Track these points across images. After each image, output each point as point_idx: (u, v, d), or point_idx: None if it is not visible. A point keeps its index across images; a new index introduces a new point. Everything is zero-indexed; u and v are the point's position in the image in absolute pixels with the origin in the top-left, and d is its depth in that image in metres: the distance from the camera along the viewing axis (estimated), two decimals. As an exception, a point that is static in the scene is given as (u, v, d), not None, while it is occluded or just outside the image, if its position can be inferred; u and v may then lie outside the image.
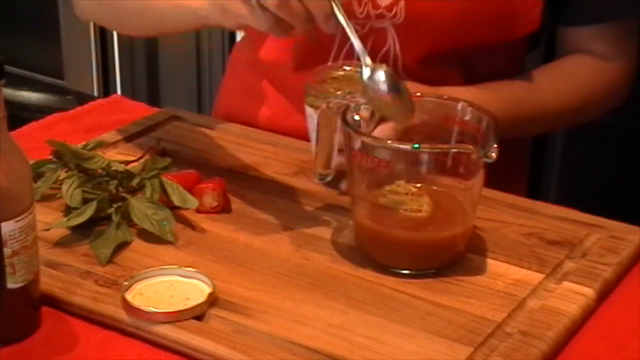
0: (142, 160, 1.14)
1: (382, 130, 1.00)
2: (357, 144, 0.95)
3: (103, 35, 2.93)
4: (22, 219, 0.84)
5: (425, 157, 0.95)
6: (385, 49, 1.19)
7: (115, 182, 1.06)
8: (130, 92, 2.88)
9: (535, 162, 1.41)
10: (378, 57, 1.20)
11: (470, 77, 1.20)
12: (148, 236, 1.00)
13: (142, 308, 0.88)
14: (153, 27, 1.25)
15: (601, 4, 1.21)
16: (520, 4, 1.17)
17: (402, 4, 1.16)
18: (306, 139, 1.13)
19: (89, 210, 1.01)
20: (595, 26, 1.22)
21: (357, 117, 0.98)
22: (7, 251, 0.84)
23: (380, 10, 1.17)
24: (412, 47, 1.17)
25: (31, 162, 0.92)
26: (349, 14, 1.17)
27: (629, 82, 1.26)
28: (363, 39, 1.19)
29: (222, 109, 1.38)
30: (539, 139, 1.48)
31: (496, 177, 1.15)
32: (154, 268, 0.94)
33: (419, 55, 1.17)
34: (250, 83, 1.31)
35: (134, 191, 1.06)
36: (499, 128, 1.15)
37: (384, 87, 0.98)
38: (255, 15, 0.98)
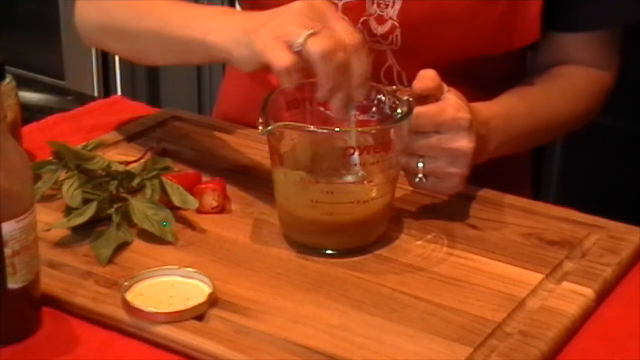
0: (142, 160, 1.14)
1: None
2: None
3: (103, 35, 2.93)
4: (22, 219, 0.84)
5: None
6: (386, 65, 1.19)
7: (115, 182, 1.06)
8: (130, 92, 2.88)
9: (535, 162, 1.41)
10: (381, 71, 1.19)
11: (476, 83, 1.20)
12: (148, 236, 1.00)
13: (142, 308, 0.88)
14: (161, 57, 1.18)
15: (603, 10, 1.21)
16: (519, 21, 1.16)
17: (397, 32, 1.16)
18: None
19: (89, 211, 1.01)
20: (591, 33, 1.22)
21: None
22: (7, 251, 0.84)
23: (376, 38, 1.17)
24: (412, 67, 1.16)
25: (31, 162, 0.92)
26: None
27: (611, 88, 1.26)
28: None
29: (222, 112, 1.38)
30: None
31: (500, 180, 1.15)
32: (154, 268, 0.94)
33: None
34: (252, 87, 1.31)
35: (134, 191, 1.06)
36: (517, 142, 1.15)
37: None
38: (292, 61, 0.93)
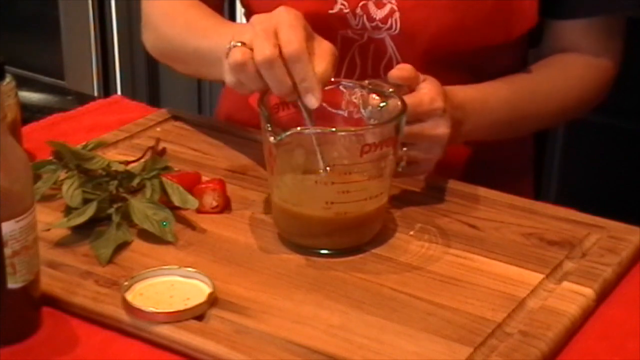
0: (142, 160, 1.14)
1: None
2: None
3: (103, 35, 2.93)
4: (22, 219, 0.84)
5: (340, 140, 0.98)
6: (386, 58, 1.19)
7: (115, 182, 1.06)
8: (130, 92, 2.88)
9: (535, 162, 1.41)
10: (381, 66, 1.20)
11: (478, 78, 1.20)
12: (148, 236, 1.00)
13: (143, 308, 0.88)
14: (207, 74, 1.24)
15: None
16: (517, 5, 1.17)
17: (396, 15, 1.16)
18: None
19: (90, 211, 1.01)
20: (588, 20, 1.21)
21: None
22: (7, 251, 0.84)
23: (375, 23, 1.18)
24: (412, 55, 1.17)
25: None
26: (345, 26, 1.17)
27: (614, 79, 1.26)
28: (363, 48, 1.19)
29: (224, 111, 1.38)
30: (539, 139, 1.48)
31: (502, 180, 1.15)
32: (154, 268, 0.94)
33: (421, 62, 1.17)
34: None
35: (134, 191, 1.06)
36: (497, 128, 1.16)
37: None
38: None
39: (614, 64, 1.25)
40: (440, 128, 1.04)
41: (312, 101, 0.98)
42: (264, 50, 0.97)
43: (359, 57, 1.20)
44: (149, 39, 1.31)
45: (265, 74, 0.98)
